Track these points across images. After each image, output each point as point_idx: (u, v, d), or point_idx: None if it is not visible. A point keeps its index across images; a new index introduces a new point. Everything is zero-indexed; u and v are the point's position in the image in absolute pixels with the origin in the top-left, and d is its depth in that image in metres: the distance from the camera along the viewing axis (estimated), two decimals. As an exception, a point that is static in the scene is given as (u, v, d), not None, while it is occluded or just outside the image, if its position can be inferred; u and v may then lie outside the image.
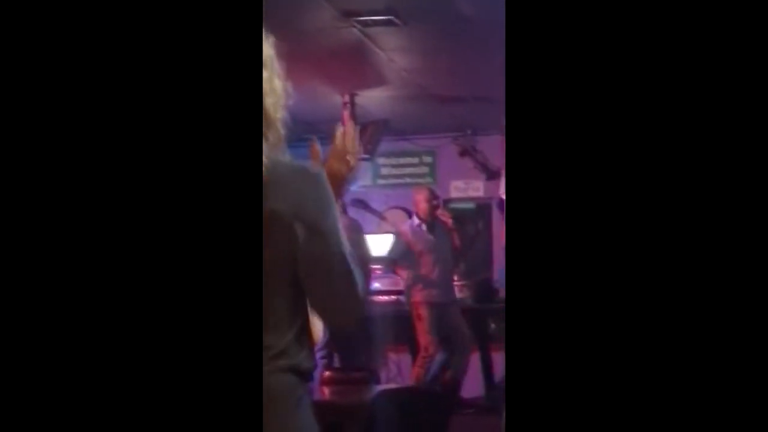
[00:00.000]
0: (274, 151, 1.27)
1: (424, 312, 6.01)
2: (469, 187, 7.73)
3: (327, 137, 1.66)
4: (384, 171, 7.79)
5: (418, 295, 6.08)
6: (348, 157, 1.59)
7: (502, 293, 7.22)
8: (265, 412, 1.15)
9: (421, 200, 6.21)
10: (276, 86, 1.29)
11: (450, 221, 6.09)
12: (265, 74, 1.26)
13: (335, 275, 1.29)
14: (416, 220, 6.28)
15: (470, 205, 7.72)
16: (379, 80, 5.74)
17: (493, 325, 7.04)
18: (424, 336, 5.99)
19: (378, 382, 5.49)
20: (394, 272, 6.39)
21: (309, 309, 1.34)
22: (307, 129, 2.15)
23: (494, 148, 7.59)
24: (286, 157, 1.31)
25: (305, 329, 1.32)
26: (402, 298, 6.34)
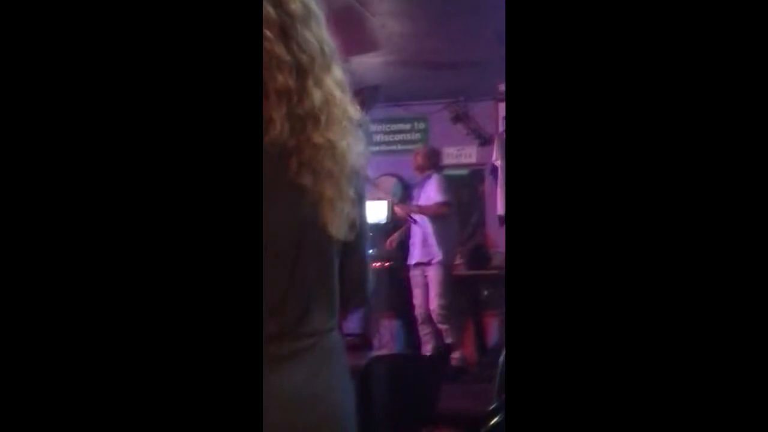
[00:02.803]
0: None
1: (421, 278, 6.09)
2: (462, 154, 7.72)
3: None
4: (376, 138, 7.77)
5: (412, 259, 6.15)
6: None
7: (496, 260, 7.25)
8: (329, 364, 1.24)
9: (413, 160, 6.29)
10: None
11: (401, 212, 6.15)
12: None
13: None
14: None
15: (463, 172, 7.71)
16: (371, 45, 5.69)
17: (485, 292, 7.07)
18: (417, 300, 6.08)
19: (371, 348, 5.52)
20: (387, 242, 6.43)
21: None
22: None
23: (487, 114, 7.59)
24: None
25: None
26: (394, 264, 6.37)
